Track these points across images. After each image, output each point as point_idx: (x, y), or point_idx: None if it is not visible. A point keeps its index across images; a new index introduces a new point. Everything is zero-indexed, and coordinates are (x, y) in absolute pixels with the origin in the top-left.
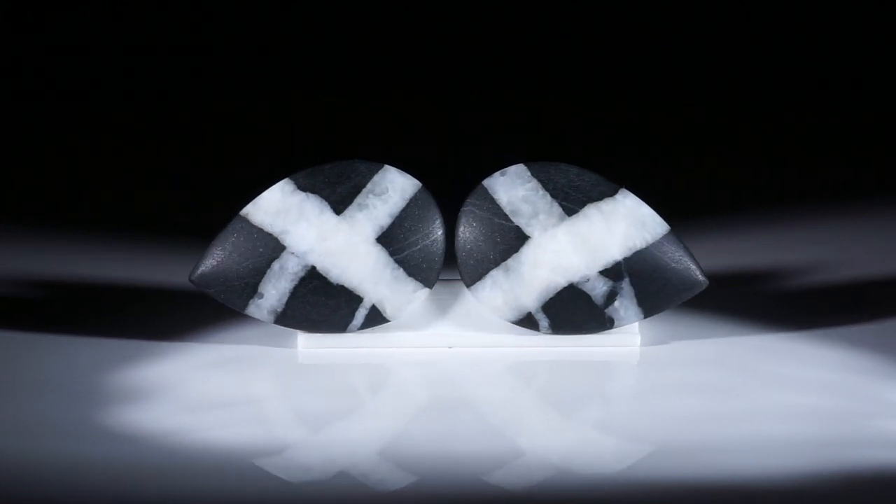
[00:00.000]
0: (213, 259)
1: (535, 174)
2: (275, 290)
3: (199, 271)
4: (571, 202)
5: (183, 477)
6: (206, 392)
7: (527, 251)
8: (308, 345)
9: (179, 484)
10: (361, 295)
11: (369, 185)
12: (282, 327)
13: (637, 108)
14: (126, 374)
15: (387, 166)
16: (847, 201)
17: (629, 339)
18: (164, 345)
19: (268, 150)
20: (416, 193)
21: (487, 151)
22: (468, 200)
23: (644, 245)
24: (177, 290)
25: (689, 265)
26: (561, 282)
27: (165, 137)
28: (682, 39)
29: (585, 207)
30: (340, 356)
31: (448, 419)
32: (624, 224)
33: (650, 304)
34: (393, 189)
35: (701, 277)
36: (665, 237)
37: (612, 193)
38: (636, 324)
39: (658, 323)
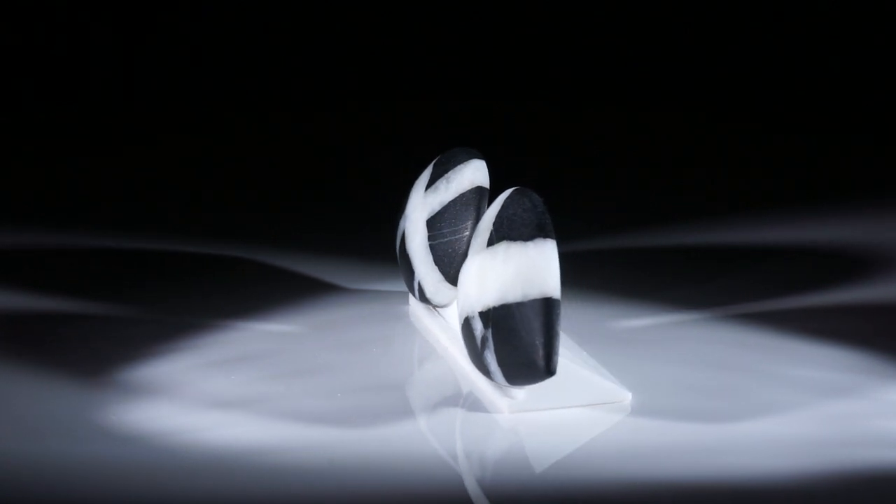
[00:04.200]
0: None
1: (510, 198)
2: (398, 244)
3: None
4: (499, 234)
5: (183, 477)
6: (205, 392)
7: (464, 269)
8: (413, 305)
9: (179, 484)
10: (414, 269)
11: (449, 173)
12: (281, 330)
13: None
14: (126, 374)
15: (473, 160)
16: (848, 201)
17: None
18: (164, 345)
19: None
20: (468, 191)
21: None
22: None
23: (515, 301)
24: (177, 290)
25: (539, 344)
26: (464, 310)
27: (167, 138)
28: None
29: (500, 243)
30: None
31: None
32: (513, 273)
33: (506, 368)
34: (457, 181)
35: (543, 363)
36: (542, 302)
37: (525, 238)
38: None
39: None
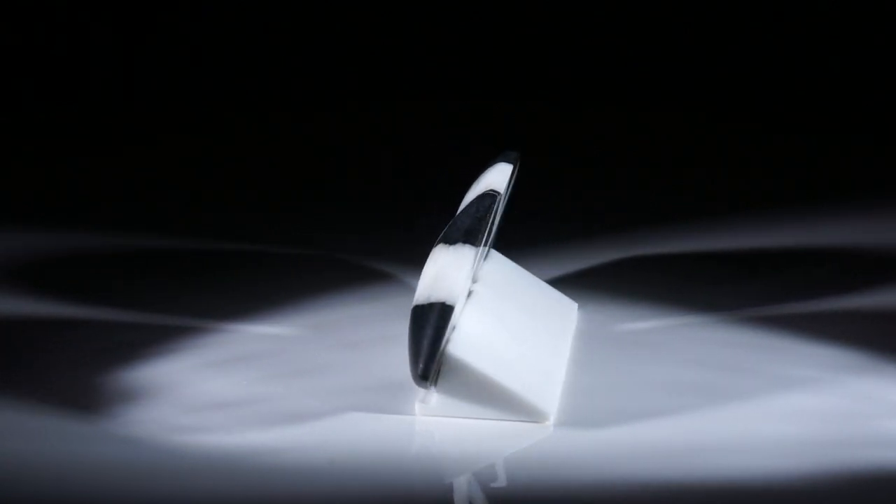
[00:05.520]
0: None
1: (471, 201)
2: None
3: None
4: (443, 236)
5: (183, 477)
6: (206, 392)
7: None
8: None
9: (179, 484)
10: None
11: (481, 175)
12: (281, 330)
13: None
14: (126, 374)
15: (501, 163)
16: (848, 201)
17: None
18: (165, 345)
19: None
20: (481, 194)
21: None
22: None
23: (420, 302)
24: (177, 290)
25: (422, 349)
26: None
27: (167, 138)
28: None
29: (439, 245)
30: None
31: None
32: (429, 275)
33: (410, 370)
34: (481, 183)
35: (420, 369)
36: (439, 307)
37: (451, 242)
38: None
39: (657, 315)
